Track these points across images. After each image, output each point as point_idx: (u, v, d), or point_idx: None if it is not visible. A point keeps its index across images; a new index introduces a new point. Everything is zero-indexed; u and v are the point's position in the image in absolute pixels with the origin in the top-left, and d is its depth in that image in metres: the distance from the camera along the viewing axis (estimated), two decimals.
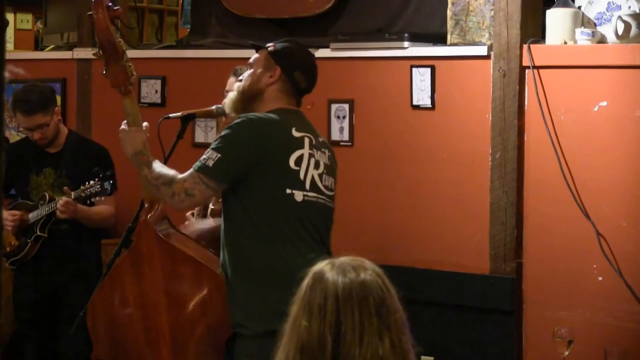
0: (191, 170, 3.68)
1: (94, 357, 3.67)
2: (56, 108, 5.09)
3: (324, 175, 3.78)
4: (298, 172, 3.70)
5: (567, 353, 4.21)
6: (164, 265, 3.70)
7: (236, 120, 3.71)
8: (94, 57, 3.90)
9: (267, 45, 3.88)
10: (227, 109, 3.90)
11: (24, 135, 5.34)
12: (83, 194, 4.83)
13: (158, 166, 3.74)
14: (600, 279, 4.59)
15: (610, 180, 4.57)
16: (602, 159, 4.59)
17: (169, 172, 3.72)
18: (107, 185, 4.81)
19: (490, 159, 4.89)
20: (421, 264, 5.06)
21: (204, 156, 3.67)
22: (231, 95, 3.87)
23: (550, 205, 4.73)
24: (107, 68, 3.79)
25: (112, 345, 3.66)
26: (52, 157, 5.11)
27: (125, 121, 3.85)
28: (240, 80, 3.90)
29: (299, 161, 3.69)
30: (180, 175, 3.68)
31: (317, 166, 3.75)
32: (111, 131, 5.80)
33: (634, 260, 4.52)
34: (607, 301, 4.57)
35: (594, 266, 4.60)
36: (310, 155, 3.73)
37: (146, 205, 3.85)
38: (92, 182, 4.82)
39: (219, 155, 3.62)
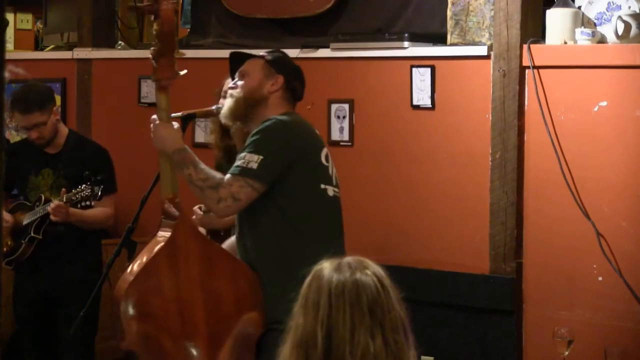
0: (231, 175, 3.65)
1: (124, 348, 3.62)
2: (54, 108, 5.08)
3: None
4: (327, 168, 3.80)
5: (567, 353, 4.21)
6: (200, 259, 3.67)
7: (265, 124, 3.72)
8: (152, 49, 3.75)
9: (258, 54, 3.93)
10: (226, 118, 3.89)
11: (24, 136, 5.33)
12: (74, 198, 4.82)
13: (205, 167, 3.71)
14: (600, 279, 4.59)
15: (610, 180, 4.57)
16: (602, 159, 4.59)
17: (216, 174, 3.69)
18: (97, 189, 4.78)
19: (490, 159, 4.89)
20: (421, 264, 5.06)
21: (240, 161, 3.66)
22: (229, 104, 3.87)
23: (550, 205, 4.73)
24: (158, 59, 3.72)
25: (145, 337, 3.59)
26: (51, 157, 5.09)
27: (155, 116, 3.80)
28: (234, 87, 3.89)
29: (327, 158, 3.81)
30: (225, 180, 3.65)
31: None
32: (111, 131, 5.83)
33: (634, 260, 4.52)
34: (607, 301, 4.57)
35: (594, 266, 4.60)
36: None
37: (167, 201, 3.78)
38: (83, 186, 4.81)
39: (260, 157, 3.63)
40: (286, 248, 3.71)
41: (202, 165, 3.70)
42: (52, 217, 4.86)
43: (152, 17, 3.75)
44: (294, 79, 3.91)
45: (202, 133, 5.85)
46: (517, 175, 4.82)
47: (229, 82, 4.60)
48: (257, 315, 3.69)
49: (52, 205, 4.85)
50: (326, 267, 2.35)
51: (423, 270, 5.04)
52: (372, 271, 2.34)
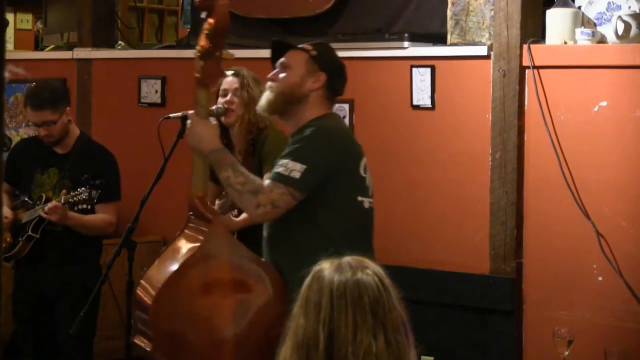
0: (272, 181, 3.58)
1: (152, 351, 3.57)
2: (67, 108, 5.08)
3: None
4: (365, 179, 3.73)
5: (567, 353, 4.21)
6: (231, 266, 3.61)
7: (309, 132, 3.65)
8: (201, 47, 3.64)
9: (302, 46, 3.80)
10: (264, 111, 3.78)
11: (32, 134, 5.33)
12: (71, 200, 4.81)
13: (243, 169, 3.63)
14: (600, 279, 4.59)
15: (610, 180, 4.57)
16: (602, 159, 4.59)
17: (255, 179, 3.62)
18: (94, 194, 4.77)
19: (490, 159, 4.89)
20: (421, 264, 5.06)
21: (281, 168, 3.58)
22: (268, 97, 3.76)
23: (550, 205, 4.73)
24: (207, 57, 3.62)
25: (173, 342, 3.53)
26: (59, 157, 5.09)
27: (192, 112, 3.71)
28: (274, 79, 3.76)
29: (365, 168, 3.74)
30: (265, 185, 3.59)
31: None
32: (111, 131, 5.83)
33: (634, 260, 4.52)
34: (607, 301, 4.57)
35: (594, 266, 4.60)
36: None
37: (197, 199, 3.70)
38: (81, 189, 4.80)
39: (304, 166, 3.57)
40: (316, 257, 3.68)
41: (240, 168, 3.62)
42: (47, 217, 4.86)
43: (204, 14, 3.64)
44: (336, 77, 3.81)
45: None
46: (517, 175, 4.82)
47: (229, 81, 4.60)
48: (280, 323, 3.64)
49: (49, 205, 4.85)
50: (326, 267, 2.35)
51: (423, 270, 5.04)
52: (372, 271, 2.34)
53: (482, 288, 4.88)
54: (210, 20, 3.60)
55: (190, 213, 3.74)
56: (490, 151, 4.89)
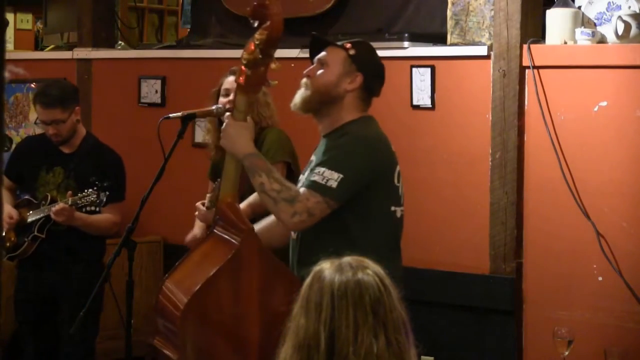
0: (308, 189, 3.50)
1: (178, 359, 3.54)
2: (77, 107, 5.08)
3: None
4: (398, 188, 3.67)
5: (567, 353, 4.21)
6: (260, 276, 3.53)
7: (346, 139, 3.58)
8: (249, 55, 3.56)
9: (342, 44, 3.69)
10: (297, 107, 3.68)
11: (40, 131, 5.33)
12: (79, 202, 4.81)
13: (278, 175, 3.56)
14: (600, 279, 4.59)
15: (610, 180, 4.57)
16: (602, 159, 4.59)
17: (291, 186, 3.54)
18: (102, 196, 4.77)
19: (490, 159, 4.89)
20: (421, 264, 5.06)
21: (317, 176, 3.51)
22: (303, 94, 3.66)
23: (550, 205, 4.73)
24: (255, 66, 3.54)
25: (199, 351, 3.47)
26: (65, 157, 5.09)
27: (229, 114, 3.64)
28: (310, 75, 3.66)
29: (398, 177, 3.68)
30: (301, 193, 3.51)
31: None
32: (111, 131, 5.83)
33: (634, 260, 4.52)
34: (607, 301, 4.57)
35: (594, 266, 4.60)
36: None
37: (225, 207, 3.62)
38: (89, 191, 4.80)
39: (341, 175, 3.49)
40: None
41: (276, 174, 3.55)
42: (54, 218, 4.86)
43: (255, 23, 3.55)
44: (374, 78, 3.70)
45: (202, 133, 5.85)
46: (517, 175, 4.82)
47: (230, 81, 4.60)
48: None
49: (56, 207, 4.84)
50: (326, 267, 2.35)
51: (423, 270, 5.04)
52: (372, 271, 2.34)
53: (482, 288, 4.87)
54: (264, 30, 3.51)
55: (217, 217, 3.66)
56: (490, 151, 4.89)
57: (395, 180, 3.66)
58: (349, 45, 3.67)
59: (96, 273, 4.90)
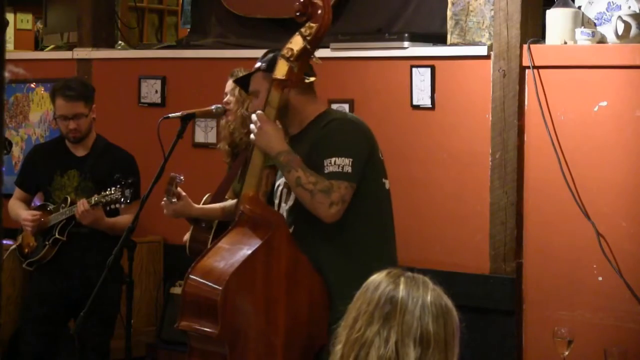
0: (332, 180, 3.60)
1: (216, 338, 3.56)
2: (94, 106, 5.09)
3: None
4: (383, 161, 3.83)
5: (567, 353, 4.21)
6: (288, 264, 3.65)
7: (335, 126, 3.70)
8: (294, 50, 3.59)
9: (256, 67, 3.82)
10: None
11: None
12: (104, 200, 4.80)
13: (311, 171, 3.63)
14: (600, 279, 4.59)
15: (610, 180, 4.57)
16: (602, 159, 4.59)
17: (325, 179, 3.62)
18: (127, 193, 4.76)
19: (490, 159, 4.89)
20: (421, 264, 5.05)
21: (333, 166, 3.62)
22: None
23: (550, 205, 4.73)
24: (298, 62, 3.59)
25: (236, 329, 3.58)
26: (78, 159, 5.09)
27: (260, 112, 3.66)
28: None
29: (381, 151, 3.83)
30: (332, 184, 3.61)
31: None
32: (111, 131, 5.82)
33: (634, 260, 4.52)
34: (607, 301, 4.57)
35: (594, 266, 4.60)
36: None
37: (248, 198, 3.67)
38: (113, 189, 4.79)
39: (351, 159, 3.63)
40: (350, 241, 3.71)
41: (308, 169, 3.63)
42: (79, 220, 4.85)
43: (304, 18, 3.60)
44: (276, 65, 3.75)
45: (202, 133, 5.85)
46: (517, 175, 4.81)
47: (228, 84, 4.63)
48: (322, 325, 3.66)
49: (80, 208, 4.83)
50: (418, 290, 2.38)
51: (423, 270, 5.02)
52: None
53: (482, 288, 4.87)
54: (312, 25, 3.59)
55: (241, 211, 3.71)
56: (490, 151, 4.89)
57: (380, 154, 3.81)
58: (258, 65, 3.81)
59: (115, 275, 4.90)
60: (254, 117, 3.69)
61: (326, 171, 3.63)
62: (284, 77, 3.61)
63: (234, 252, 3.68)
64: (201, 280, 3.67)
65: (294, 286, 3.67)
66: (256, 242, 3.65)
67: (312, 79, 3.71)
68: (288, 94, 3.69)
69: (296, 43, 3.61)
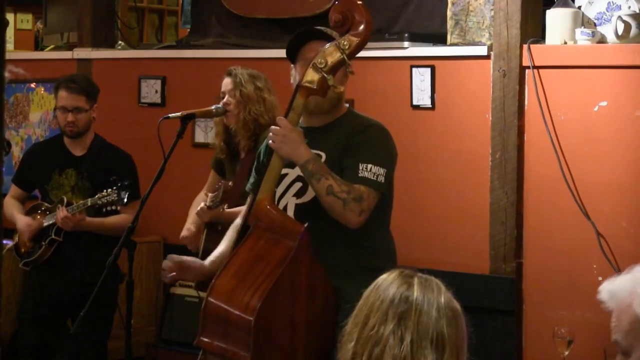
0: (366, 187, 3.58)
1: (252, 357, 3.57)
2: (95, 105, 5.09)
3: None
4: None
5: (567, 353, 4.21)
6: (307, 278, 3.57)
7: (374, 132, 3.72)
8: (329, 59, 3.51)
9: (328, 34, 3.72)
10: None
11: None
12: (99, 202, 4.79)
13: (338, 177, 3.57)
14: (600, 279, 4.59)
15: (610, 180, 4.57)
16: (602, 159, 4.59)
17: (355, 186, 3.58)
18: (123, 194, 4.75)
19: (490, 159, 4.89)
20: (421, 264, 5.05)
21: (368, 173, 3.60)
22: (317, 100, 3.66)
23: (550, 205, 4.73)
24: (334, 71, 3.52)
25: (263, 351, 3.50)
26: (76, 159, 5.09)
27: (282, 119, 3.56)
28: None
29: None
30: (363, 191, 3.58)
31: None
32: (111, 131, 5.82)
33: (634, 260, 4.49)
34: None
35: (594, 266, 4.60)
36: None
37: (263, 203, 3.57)
38: (109, 190, 4.78)
39: (385, 169, 3.66)
40: (363, 243, 3.72)
41: (336, 176, 3.57)
42: (60, 225, 4.86)
43: (344, 28, 3.53)
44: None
45: (202, 133, 5.85)
46: (517, 175, 4.82)
47: (225, 83, 4.62)
48: (331, 327, 3.59)
49: (59, 215, 4.84)
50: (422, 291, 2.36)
51: (423, 270, 5.03)
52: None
53: (482, 288, 4.87)
54: (352, 39, 3.52)
55: (258, 219, 3.59)
56: (490, 151, 4.89)
57: None
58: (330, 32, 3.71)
59: (113, 275, 4.90)
60: (275, 126, 3.56)
61: (360, 175, 3.59)
62: (314, 86, 3.51)
63: (259, 269, 3.54)
64: (225, 307, 3.52)
65: (312, 294, 3.60)
66: (281, 259, 3.52)
67: (341, 88, 3.64)
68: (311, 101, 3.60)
69: (331, 54, 3.52)
